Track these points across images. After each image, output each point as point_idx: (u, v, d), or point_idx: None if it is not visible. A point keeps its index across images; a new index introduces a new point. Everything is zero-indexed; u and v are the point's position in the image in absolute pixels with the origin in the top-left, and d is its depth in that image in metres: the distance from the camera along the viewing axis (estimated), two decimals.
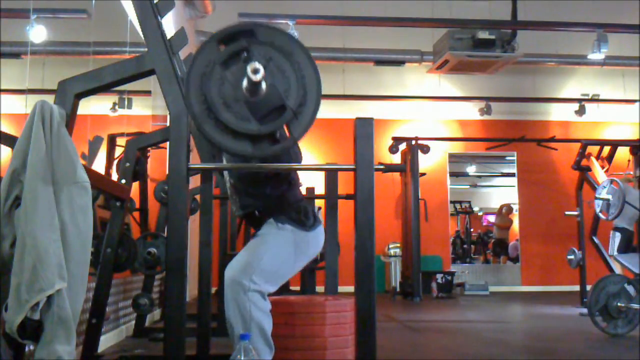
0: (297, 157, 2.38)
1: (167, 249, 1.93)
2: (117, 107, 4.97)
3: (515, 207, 10.65)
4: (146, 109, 6.09)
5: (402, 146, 9.05)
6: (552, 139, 9.39)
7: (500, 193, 12.09)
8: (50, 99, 2.05)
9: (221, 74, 1.82)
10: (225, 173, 2.57)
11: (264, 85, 1.79)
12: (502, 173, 11.89)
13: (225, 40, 1.86)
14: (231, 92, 1.82)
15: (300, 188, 2.61)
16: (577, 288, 7.06)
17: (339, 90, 9.42)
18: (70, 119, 2.08)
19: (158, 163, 5.47)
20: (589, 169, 6.97)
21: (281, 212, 2.42)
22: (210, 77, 1.81)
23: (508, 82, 9.98)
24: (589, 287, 5.01)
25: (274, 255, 2.34)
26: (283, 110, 1.82)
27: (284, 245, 2.37)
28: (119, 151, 4.84)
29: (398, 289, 8.72)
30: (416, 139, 8.89)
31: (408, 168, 8.69)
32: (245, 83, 1.79)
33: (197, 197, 4.40)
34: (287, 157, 2.31)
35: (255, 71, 1.74)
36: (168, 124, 2.08)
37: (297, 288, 6.82)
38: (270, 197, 2.43)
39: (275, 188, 2.43)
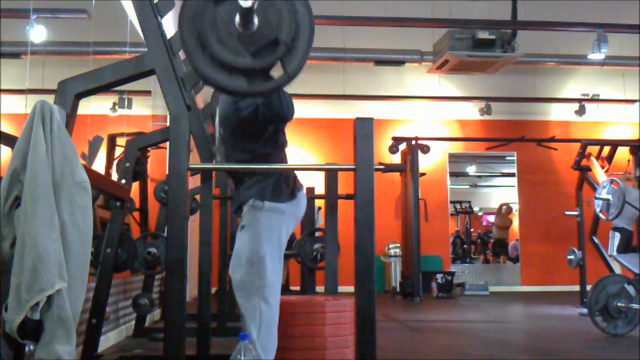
0: (290, 111, 2.39)
1: (167, 249, 1.93)
2: (117, 107, 4.97)
3: (515, 207, 10.65)
4: (146, 108, 6.09)
5: (402, 146, 9.05)
6: (552, 139, 9.39)
7: (500, 193, 12.08)
8: (50, 99, 2.04)
9: (214, 10, 1.82)
10: (217, 123, 2.59)
11: (256, 19, 1.79)
12: (502, 173, 11.89)
13: None
14: (224, 26, 1.81)
15: (286, 151, 2.63)
16: (577, 288, 7.05)
17: (339, 90, 9.42)
18: (70, 119, 2.08)
19: (158, 163, 5.47)
20: (589, 169, 6.97)
21: (263, 175, 2.44)
22: (203, 13, 1.82)
23: (508, 82, 9.98)
24: (589, 287, 5.00)
25: (270, 241, 2.36)
26: (276, 45, 1.82)
27: (274, 226, 2.41)
28: (119, 151, 4.84)
29: (398, 289, 8.72)
30: (416, 139, 8.89)
31: (408, 168, 8.69)
32: (237, 18, 1.79)
33: (197, 197, 4.40)
34: (278, 102, 2.33)
35: None
36: (168, 123, 2.07)
37: (297, 288, 6.83)
38: (256, 154, 2.47)
39: (262, 147, 2.46)
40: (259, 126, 2.41)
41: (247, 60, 1.81)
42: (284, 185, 2.44)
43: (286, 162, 2.60)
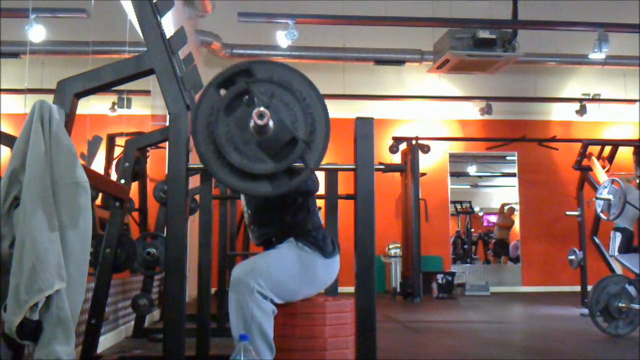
0: (315, 185, 2.42)
1: (166, 249, 1.92)
2: (116, 106, 4.96)
3: (516, 207, 10.64)
4: (145, 108, 6.08)
5: (403, 146, 9.03)
6: (553, 139, 9.38)
7: (501, 193, 12.08)
8: (49, 98, 2.04)
9: (226, 120, 1.82)
10: (243, 202, 2.58)
11: (271, 123, 1.79)
12: (502, 173, 11.89)
13: (224, 84, 1.86)
14: (239, 135, 1.81)
15: (319, 214, 2.60)
16: (578, 288, 7.04)
17: (339, 90, 9.41)
18: (70, 119, 2.07)
19: (157, 163, 5.46)
20: (590, 169, 6.96)
21: (300, 237, 2.43)
22: (216, 124, 1.81)
23: (509, 82, 9.97)
24: (590, 288, 4.99)
25: (282, 267, 2.33)
26: (295, 142, 1.82)
27: (293, 261, 2.37)
28: (118, 151, 4.83)
29: (398, 290, 8.70)
30: (416, 138, 8.88)
31: (408, 168, 8.68)
32: (252, 124, 1.79)
33: (197, 197, 4.39)
34: (306, 185, 2.33)
35: (261, 116, 1.74)
36: (167, 123, 2.07)
37: None
38: (288, 224, 2.45)
39: (294, 216, 2.44)
40: (286, 201, 2.41)
41: (268, 165, 1.82)
42: (322, 244, 2.43)
43: (320, 225, 2.54)
